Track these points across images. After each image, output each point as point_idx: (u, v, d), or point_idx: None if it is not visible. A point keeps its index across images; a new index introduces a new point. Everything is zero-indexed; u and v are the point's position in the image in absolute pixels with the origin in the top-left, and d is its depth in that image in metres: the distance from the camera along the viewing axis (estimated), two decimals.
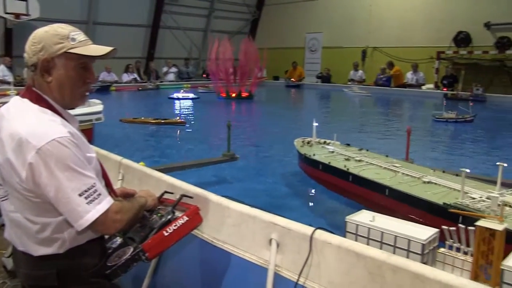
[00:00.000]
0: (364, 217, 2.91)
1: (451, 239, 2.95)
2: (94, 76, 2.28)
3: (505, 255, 2.61)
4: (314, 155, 6.53)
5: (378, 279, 2.40)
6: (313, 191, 6.60)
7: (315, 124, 7.31)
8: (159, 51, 27.57)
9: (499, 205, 4.04)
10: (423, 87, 22.71)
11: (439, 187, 5.03)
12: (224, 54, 19.18)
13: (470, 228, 2.78)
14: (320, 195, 6.39)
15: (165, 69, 26.20)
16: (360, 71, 25.44)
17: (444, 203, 4.32)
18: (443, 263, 2.88)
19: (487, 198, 4.31)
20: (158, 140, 10.67)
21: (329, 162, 6.12)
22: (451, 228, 2.93)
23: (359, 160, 6.21)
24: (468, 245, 2.86)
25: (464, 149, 10.09)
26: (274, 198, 6.40)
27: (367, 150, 6.99)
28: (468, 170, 4.20)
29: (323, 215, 5.74)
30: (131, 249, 2.31)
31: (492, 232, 2.61)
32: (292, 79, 27.02)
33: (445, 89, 21.30)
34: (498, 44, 21.55)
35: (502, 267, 2.47)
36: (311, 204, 6.35)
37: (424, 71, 23.33)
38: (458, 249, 2.93)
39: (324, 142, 7.45)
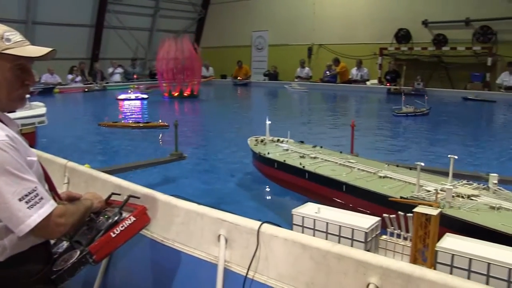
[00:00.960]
0: (309, 210, 3.01)
1: (392, 226, 3.10)
2: (34, 77, 2.22)
3: (440, 238, 2.78)
4: (268, 153, 6.51)
5: (324, 268, 2.50)
6: (264, 188, 6.65)
7: (268, 122, 7.29)
8: (104, 52, 26.88)
9: (436, 192, 4.26)
10: (368, 83, 23.44)
11: (395, 181, 5.13)
12: (169, 53, 19.00)
13: (408, 215, 2.94)
14: (271, 192, 6.46)
15: (110, 70, 25.57)
16: (307, 68, 25.89)
17: (401, 197, 4.46)
18: (385, 249, 3.03)
19: (441, 190, 4.47)
20: (107, 142, 10.45)
21: (284, 160, 6.09)
22: (391, 216, 3.08)
23: (314, 157, 6.23)
24: (407, 231, 3.02)
25: (419, 142, 10.53)
26: (225, 196, 6.42)
27: (321, 147, 7.05)
28: (422, 164, 4.35)
29: (274, 210, 5.81)
30: (78, 252, 2.28)
31: (428, 217, 2.78)
32: (239, 78, 27.11)
33: (388, 84, 22.09)
34: (435, 41, 22.58)
35: (437, 249, 2.63)
36: (262, 200, 6.41)
37: (368, 67, 24.08)
38: (398, 236, 3.09)
39: (278, 140, 7.43)
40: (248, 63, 29.18)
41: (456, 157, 4.60)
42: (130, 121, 11.69)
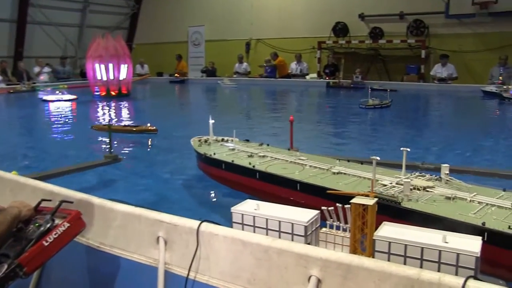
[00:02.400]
0: (248, 206, 3.07)
1: (331, 218, 3.23)
2: None
3: (377, 227, 2.94)
4: (214, 154, 6.45)
5: (265, 263, 2.57)
6: (207, 189, 6.63)
7: (211, 121, 7.21)
8: (29, 50, 25.68)
9: (392, 186, 4.46)
10: (308, 77, 23.95)
11: (349, 177, 5.18)
12: (100, 51, 18.49)
13: (346, 206, 3.07)
14: (215, 192, 6.45)
15: (36, 69, 24.35)
16: (245, 64, 26.04)
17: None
18: (325, 241, 3.15)
19: (397, 184, 4.64)
20: (36, 147, 10.05)
21: (232, 161, 6.01)
22: (329, 208, 3.21)
23: (263, 156, 6.20)
24: (346, 222, 3.15)
25: (381, 134, 10.97)
26: (165, 198, 6.37)
27: (268, 145, 7.05)
28: (378, 158, 4.47)
29: (216, 210, 5.81)
30: (5, 266, 2.20)
31: (365, 207, 2.92)
32: (176, 75, 26.82)
33: (327, 78, 22.69)
34: (372, 34, 23.46)
35: (374, 238, 2.78)
36: (205, 201, 6.39)
37: (307, 61, 24.61)
38: (338, 227, 3.22)
39: (222, 140, 7.35)
40: (185, 59, 28.95)
41: (408, 149, 4.77)
42: (122, 124, 11.28)
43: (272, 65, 24.46)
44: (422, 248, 2.69)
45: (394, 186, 4.56)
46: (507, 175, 6.25)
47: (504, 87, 16.58)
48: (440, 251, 2.67)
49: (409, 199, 4.26)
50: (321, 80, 23.03)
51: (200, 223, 2.64)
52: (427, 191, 4.52)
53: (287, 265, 2.55)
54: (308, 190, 5.00)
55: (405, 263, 2.70)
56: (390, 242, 2.76)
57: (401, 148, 4.74)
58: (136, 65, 26.82)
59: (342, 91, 20.77)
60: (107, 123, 10.54)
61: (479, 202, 4.25)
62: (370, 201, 2.95)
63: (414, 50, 22.38)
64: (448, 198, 4.31)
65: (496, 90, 16.74)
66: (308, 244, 2.92)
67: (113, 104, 17.38)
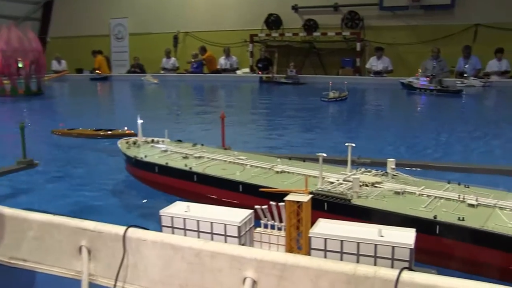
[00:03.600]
0: (178, 208, 3.07)
1: (266, 217, 3.29)
2: None
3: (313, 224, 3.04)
4: (146, 156, 6.32)
5: (198, 268, 2.59)
6: (135, 193, 6.50)
7: (139, 121, 7.05)
8: None
9: (340, 183, 4.58)
10: (239, 72, 24.09)
11: (294, 175, 5.26)
12: (8, 44, 17.57)
13: (280, 204, 3.14)
14: (144, 196, 6.35)
15: None
16: (173, 59, 25.75)
17: (310, 192, 4.62)
18: (260, 242, 3.21)
19: (345, 181, 4.76)
20: None
21: (167, 163, 5.93)
22: (263, 207, 3.27)
23: (199, 157, 6.17)
24: (281, 221, 3.23)
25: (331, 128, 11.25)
26: (88, 205, 6.19)
27: (202, 145, 7.00)
28: (325, 154, 4.52)
29: (145, 215, 5.74)
30: None
31: (299, 204, 3.01)
32: (97, 71, 26.06)
33: (260, 73, 22.94)
34: (306, 26, 24.00)
35: (310, 235, 2.88)
36: (132, 206, 6.28)
37: (239, 55, 24.74)
38: (273, 226, 3.30)
39: (152, 141, 7.23)
40: (108, 53, 28.21)
41: (353, 144, 4.89)
42: (89, 129, 10.65)
43: (199, 60, 24.36)
44: (358, 243, 2.82)
45: (341, 183, 4.73)
46: (448, 167, 6.76)
47: (411, 78, 18.06)
48: (376, 245, 2.81)
49: (358, 196, 4.43)
50: (254, 75, 23.25)
51: (127, 229, 2.61)
52: (376, 187, 4.72)
53: (221, 268, 2.59)
54: (251, 191, 4.99)
55: (341, 259, 2.82)
56: (326, 239, 2.86)
57: (346, 144, 4.88)
58: (52, 61, 25.80)
59: (276, 86, 21.10)
60: (71, 128, 10.06)
61: (427, 196, 4.54)
62: (305, 198, 3.04)
63: (349, 42, 23.14)
64: (397, 193, 4.55)
65: (411, 81, 18.11)
66: (243, 245, 2.96)
67: (20, 105, 16.60)
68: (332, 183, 4.76)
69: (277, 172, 5.45)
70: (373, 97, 19.40)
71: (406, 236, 2.87)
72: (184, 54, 25.92)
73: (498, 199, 4.43)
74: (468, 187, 4.85)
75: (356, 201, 4.36)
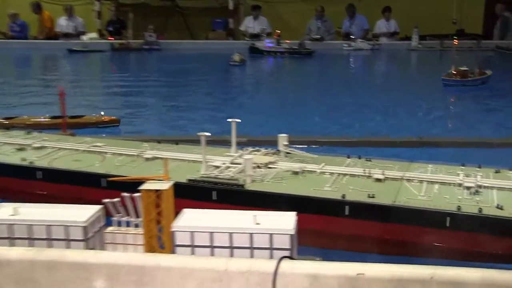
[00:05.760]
0: (3, 213, 2.92)
1: (119, 213, 3.26)
2: None
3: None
4: None
5: (30, 284, 2.49)
6: None
7: None
8: None
9: (227, 166, 4.59)
10: (84, 37, 22.99)
11: (171, 162, 5.16)
12: None
13: (136, 195, 3.12)
14: None
15: None
16: None
17: (190, 180, 4.55)
18: (113, 243, 3.16)
19: (233, 164, 4.76)
20: None
21: None
22: (115, 200, 3.23)
23: (40, 147, 5.89)
24: (138, 216, 3.21)
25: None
26: None
27: (41, 132, 6.62)
28: (208, 134, 4.46)
29: None
30: None
31: (158, 193, 3.01)
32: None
33: (111, 38, 22.08)
34: None
35: (173, 229, 2.90)
36: None
37: (83, 15, 23.63)
38: (128, 223, 3.27)
39: None
40: None
41: (239, 120, 4.91)
42: (43, 116, 9.16)
43: (23, 22, 22.63)
44: (231, 233, 2.90)
45: (229, 167, 4.79)
46: (341, 142, 7.27)
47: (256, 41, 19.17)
48: (251, 234, 2.91)
49: (252, 180, 4.52)
50: (104, 41, 22.36)
51: None
52: (270, 168, 4.86)
53: (62, 281, 2.53)
54: (118, 185, 4.87)
55: (212, 254, 2.88)
56: (192, 232, 2.91)
57: (229, 119, 4.93)
58: None
59: (132, 54, 20.63)
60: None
61: (330, 173, 4.80)
62: (165, 185, 3.05)
63: (220, 0, 23.21)
64: (296, 173, 4.74)
65: (254, 44, 19.19)
66: (91, 249, 2.90)
67: None
68: (217, 167, 4.82)
69: (148, 159, 5.43)
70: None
71: (286, 221, 3.01)
72: (3, 14, 23.96)
73: (403, 171, 4.87)
74: (370, 161, 5.26)
75: (250, 186, 4.46)
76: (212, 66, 17.87)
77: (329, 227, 3.33)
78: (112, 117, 9.13)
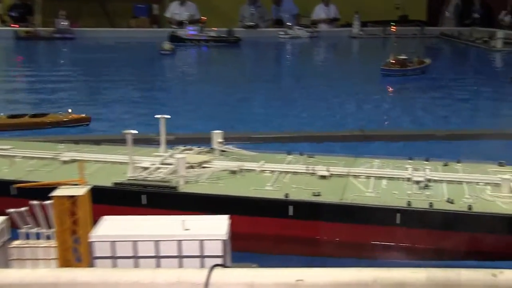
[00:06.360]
0: None
1: (26, 224, 3.13)
2: None
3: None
4: None
5: None
6: None
7: None
8: None
9: (157, 167, 4.49)
10: None
11: (92, 164, 5.16)
12: None
13: (48, 202, 3.01)
14: None
15: None
16: None
17: (116, 184, 4.43)
18: (21, 259, 3.03)
19: (163, 164, 4.68)
20: None
21: None
22: (22, 210, 3.10)
23: None
24: (50, 226, 3.09)
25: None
26: None
27: None
28: (135, 131, 4.35)
29: None
30: None
31: (73, 200, 2.91)
32: None
33: (15, 26, 21.20)
34: None
35: (91, 240, 2.81)
36: None
37: None
38: (39, 235, 3.14)
39: None
40: None
41: (168, 116, 4.85)
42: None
43: None
44: (157, 242, 2.85)
45: (159, 168, 4.73)
46: (279, 137, 7.34)
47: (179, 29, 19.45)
48: (179, 241, 2.86)
49: (186, 182, 4.48)
50: (6, 28, 21.50)
51: None
52: (205, 167, 4.84)
53: None
54: (29, 193, 4.74)
55: (137, 266, 2.81)
56: (113, 242, 2.83)
57: (156, 116, 4.87)
58: None
59: (42, 44, 20.03)
60: None
61: (271, 172, 4.83)
62: (80, 191, 2.95)
63: None
64: (233, 172, 4.74)
65: (175, 32, 19.40)
66: None
67: None
68: (146, 168, 4.78)
69: (65, 161, 5.33)
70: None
71: (218, 226, 2.98)
72: None
73: (349, 167, 4.97)
74: (313, 157, 5.34)
75: (184, 188, 4.43)
76: (138, 56, 17.67)
77: (270, 230, 3.33)
78: (82, 115, 8.90)
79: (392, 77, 13.07)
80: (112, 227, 2.91)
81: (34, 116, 8.72)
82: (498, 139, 7.64)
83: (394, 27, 16.14)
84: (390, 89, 12.58)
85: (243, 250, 3.34)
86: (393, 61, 13.05)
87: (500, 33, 18.03)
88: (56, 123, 8.73)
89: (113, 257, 2.81)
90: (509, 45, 17.86)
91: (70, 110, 8.96)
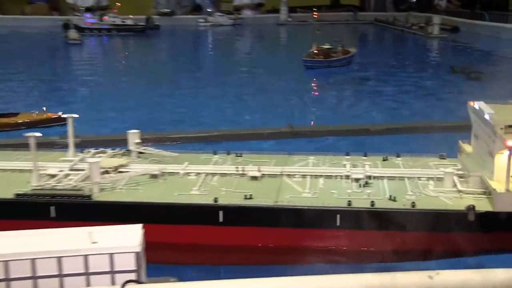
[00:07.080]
0: None
1: None
2: None
3: None
4: None
5: None
6: None
7: None
8: None
9: (67, 174, 4.35)
10: None
11: (4, 173, 4.92)
12: None
13: None
14: None
15: None
16: None
17: (18, 195, 4.22)
18: None
19: (73, 170, 4.52)
20: None
21: None
22: None
23: None
24: None
25: None
26: None
27: None
28: (39, 134, 4.17)
29: None
30: None
31: None
32: None
33: None
34: None
35: None
36: None
37: None
38: None
39: None
40: None
41: (76, 115, 4.73)
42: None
43: None
44: (59, 258, 2.75)
45: (69, 174, 4.57)
46: (201, 137, 7.36)
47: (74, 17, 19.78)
48: (86, 256, 2.76)
49: (101, 189, 4.33)
50: None
51: None
52: (121, 171, 4.70)
53: None
54: None
55: (36, 287, 2.71)
56: (6, 262, 2.72)
57: (63, 115, 4.71)
58: None
59: None
60: None
61: (197, 174, 4.74)
62: None
63: None
64: (154, 176, 4.63)
65: (69, 20, 19.90)
66: None
67: None
68: (54, 176, 4.64)
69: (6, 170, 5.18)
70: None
71: (129, 237, 2.90)
72: None
73: (282, 165, 4.94)
74: (241, 156, 5.30)
75: (100, 197, 4.32)
76: (39, 47, 17.53)
77: (197, 239, 3.28)
78: (58, 114, 8.82)
79: (316, 69, 13.29)
80: (5, 245, 2.80)
81: (2, 116, 8.72)
82: (436, 132, 7.89)
83: (316, 13, 16.43)
84: (315, 83, 12.84)
85: (161, 262, 3.28)
86: (316, 52, 13.21)
87: (436, 18, 18.74)
88: (27, 123, 8.66)
89: (7, 279, 2.70)
90: (445, 31, 18.48)
91: (44, 109, 8.92)
